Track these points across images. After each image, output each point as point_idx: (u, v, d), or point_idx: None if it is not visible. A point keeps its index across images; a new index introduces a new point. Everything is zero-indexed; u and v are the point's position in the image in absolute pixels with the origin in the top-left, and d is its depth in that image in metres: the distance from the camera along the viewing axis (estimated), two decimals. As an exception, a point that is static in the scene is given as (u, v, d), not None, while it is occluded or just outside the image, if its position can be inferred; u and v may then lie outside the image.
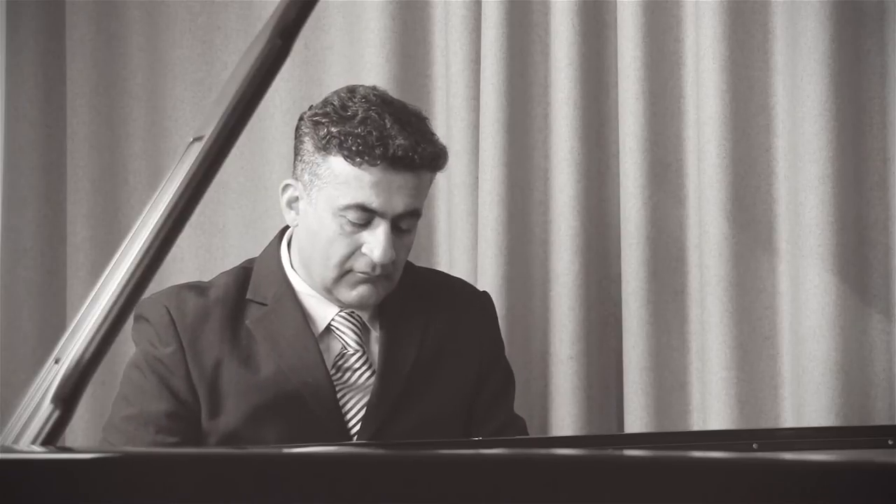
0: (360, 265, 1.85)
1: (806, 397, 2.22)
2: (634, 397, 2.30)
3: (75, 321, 1.36)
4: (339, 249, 1.84)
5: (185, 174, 1.40)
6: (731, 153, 2.25)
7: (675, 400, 2.32)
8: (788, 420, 2.27)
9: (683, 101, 2.34)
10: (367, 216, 1.83)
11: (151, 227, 1.38)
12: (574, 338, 2.31)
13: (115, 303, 1.35)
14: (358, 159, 1.80)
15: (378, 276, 1.86)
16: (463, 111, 2.36)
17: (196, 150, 1.41)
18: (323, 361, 1.87)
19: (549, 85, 2.37)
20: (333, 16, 2.47)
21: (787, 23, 2.27)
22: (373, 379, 1.89)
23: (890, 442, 1.76)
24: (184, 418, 1.84)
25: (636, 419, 2.29)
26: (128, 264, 1.36)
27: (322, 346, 1.88)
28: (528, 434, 2.06)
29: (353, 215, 1.82)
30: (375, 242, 1.83)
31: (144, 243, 1.37)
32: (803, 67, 2.23)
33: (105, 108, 2.49)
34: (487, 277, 2.32)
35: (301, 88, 2.47)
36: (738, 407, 2.25)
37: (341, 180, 1.82)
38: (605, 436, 2.25)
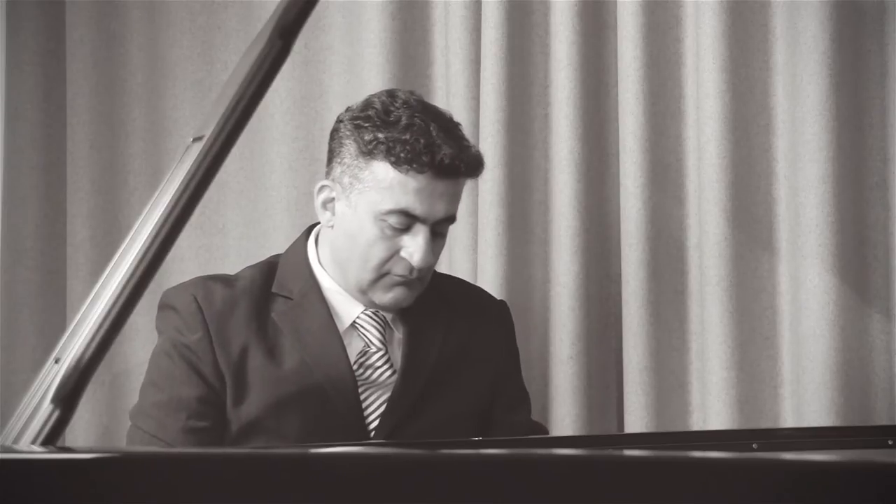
0: (398, 269, 1.87)
1: (806, 397, 2.22)
2: (634, 397, 2.30)
3: (75, 321, 1.36)
4: (379, 253, 1.86)
5: (185, 174, 1.40)
6: (731, 153, 2.25)
7: (675, 400, 2.32)
8: (788, 420, 2.27)
9: (683, 101, 2.34)
10: (408, 221, 1.85)
11: (151, 227, 1.38)
12: (574, 338, 2.31)
13: (114, 303, 1.35)
14: (405, 167, 1.82)
15: (414, 279, 1.88)
16: (463, 111, 2.36)
17: (196, 150, 1.41)
18: (346, 356, 1.89)
19: (549, 85, 2.37)
20: (333, 16, 2.47)
21: (787, 23, 2.27)
22: (393, 378, 1.91)
23: (890, 442, 1.76)
24: (213, 403, 1.86)
25: (636, 419, 2.29)
26: (128, 264, 1.37)
27: (345, 343, 1.90)
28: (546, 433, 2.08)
29: (395, 220, 1.84)
30: (415, 247, 1.85)
31: (144, 243, 1.37)
32: (803, 67, 2.23)
33: (105, 108, 2.48)
34: (487, 277, 2.32)
35: (301, 88, 2.47)
36: (738, 407, 2.25)
37: (385, 185, 1.83)
38: (605, 436, 2.25)
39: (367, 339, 1.91)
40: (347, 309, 1.92)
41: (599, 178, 2.37)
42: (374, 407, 1.90)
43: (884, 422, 2.22)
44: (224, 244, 2.49)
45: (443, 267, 2.39)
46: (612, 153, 2.37)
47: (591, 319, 2.33)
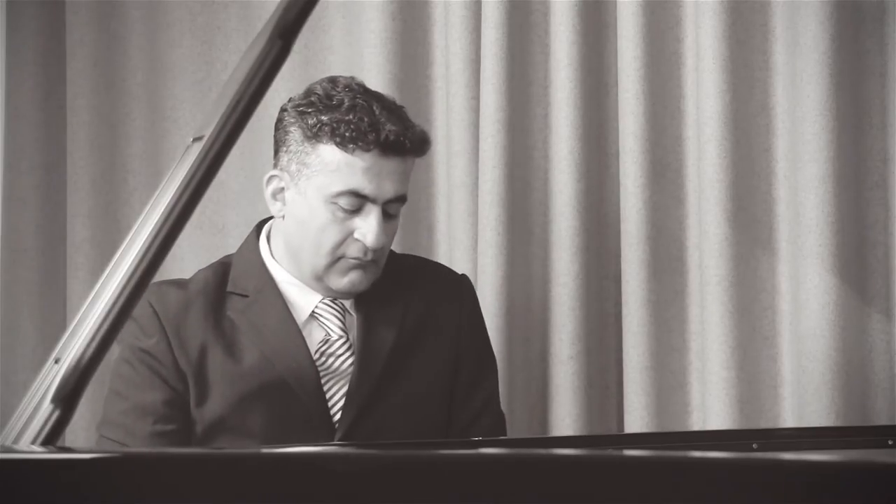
0: (352, 251, 1.87)
1: (806, 397, 2.22)
2: (634, 397, 2.30)
3: (75, 321, 1.36)
4: (332, 236, 1.87)
5: (185, 174, 1.40)
6: (731, 153, 2.25)
7: (675, 400, 2.32)
8: (788, 420, 2.27)
9: (683, 101, 2.34)
10: (358, 202, 1.86)
11: (151, 227, 1.38)
12: (574, 338, 2.31)
13: (115, 303, 1.35)
14: (351, 146, 1.83)
15: (369, 261, 1.88)
16: (463, 111, 2.36)
17: (196, 150, 1.41)
18: (306, 347, 1.89)
19: (549, 85, 2.37)
20: (333, 16, 2.47)
21: (787, 23, 2.27)
22: None
23: (890, 442, 1.76)
24: (178, 406, 1.86)
25: (636, 419, 2.29)
26: (128, 264, 1.37)
27: (304, 334, 1.90)
28: (504, 429, 2.06)
29: (345, 202, 1.85)
30: (368, 228, 1.86)
31: (144, 243, 1.37)
32: (803, 67, 2.23)
33: (105, 108, 2.49)
34: (487, 277, 2.32)
35: (301, 88, 2.45)
36: (738, 407, 2.25)
37: (332, 168, 1.84)
38: (605, 436, 2.25)
39: (327, 328, 1.92)
40: (305, 300, 1.92)
41: (599, 178, 2.37)
42: (339, 396, 1.90)
43: (884, 422, 2.22)
44: (224, 244, 2.48)
45: (443, 267, 2.39)
46: (612, 153, 2.37)
47: (591, 319, 2.33)
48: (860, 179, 2.26)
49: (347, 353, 1.91)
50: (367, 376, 1.90)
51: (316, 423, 1.87)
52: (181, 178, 1.40)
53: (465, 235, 2.37)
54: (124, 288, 1.36)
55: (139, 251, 1.37)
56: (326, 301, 1.92)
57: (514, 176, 2.34)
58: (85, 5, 2.48)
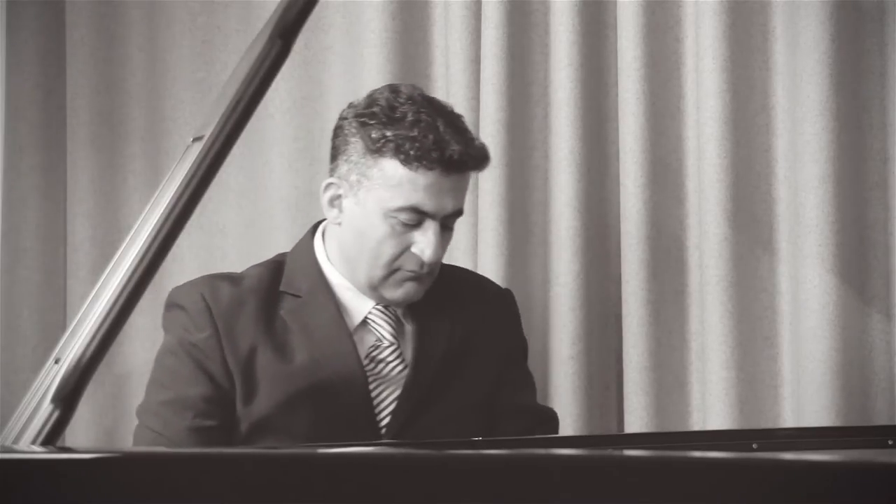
0: (409, 264, 1.87)
1: (806, 397, 2.22)
2: (634, 397, 2.30)
3: (75, 321, 1.36)
4: (389, 249, 1.86)
5: (185, 174, 1.40)
6: (731, 153, 2.26)
7: (675, 400, 2.32)
8: (788, 420, 2.27)
9: (683, 101, 2.34)
10: (418, 217, 1.85)
11: (151, 227, 1.38)
12: (574, 338, 2.31)
13: (114, 303, 1.35)
14: (415, 164, 1.82)
15: (424, 273, 1.88)
16: (463, 111, 2.34)
17: (196, 150, 1.41)
18: (356, 351, 1.89)
19: (549, 85, 2.37)
20: (333, 16, 2.47)
21: (787, 23, 2.27)
22: (405, 372, 1.91)
23: (890, 442, 1.76)
24: (221, 403, 1.85)
25: (636, 419, 2.29)
26: (128, 264, 1.37)
27: (356, 338, 1.90)
28: (558, 426, 2.07)
29: (405, 217, 1.84)
30: (426, 243, 1.85)
31: (144, 243, 1.37)
32: (803, 67, 2.23)
33: (105, 108, 2.49)
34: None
35: (301, 88, 2.47)
36: (738, 407, 2.25)
37: (394, 183, 1.83)
38: (605, 436, 2.25)
39: (379, 334, 1.91)
40: (357, 305, 1.92)
41: (599, 178, 2.37)
42: (387, 402, 1.89)
43: (884, 422, 2.22)
44: (224, 244, 2.49)
45: (443, 267, 2.39)
46: (612, 153, 2.37)
47: (591, 319, 2.33)
48: (860, 179, 2.26)
49: (397, 360, 1.91)
50: (420, 384, 1.90)
51: (362, 427, 1.86)
52: (181, 178, 1.40)
53: (465, 235, 2.37)
54: (124, 288, 1.36)
55: (139, 251, 1.37)
56: (380, 307, 1.92)
57: (514, 176, 2.34)
58: (85, 5, 2.48)
